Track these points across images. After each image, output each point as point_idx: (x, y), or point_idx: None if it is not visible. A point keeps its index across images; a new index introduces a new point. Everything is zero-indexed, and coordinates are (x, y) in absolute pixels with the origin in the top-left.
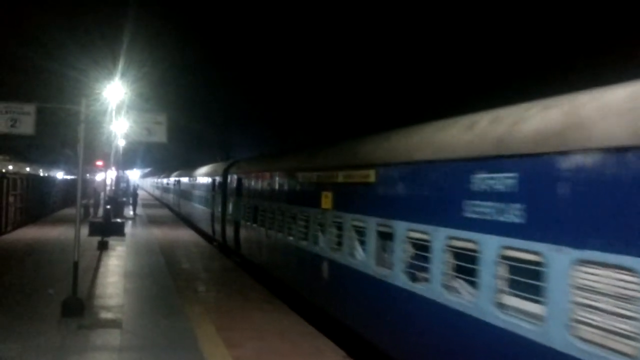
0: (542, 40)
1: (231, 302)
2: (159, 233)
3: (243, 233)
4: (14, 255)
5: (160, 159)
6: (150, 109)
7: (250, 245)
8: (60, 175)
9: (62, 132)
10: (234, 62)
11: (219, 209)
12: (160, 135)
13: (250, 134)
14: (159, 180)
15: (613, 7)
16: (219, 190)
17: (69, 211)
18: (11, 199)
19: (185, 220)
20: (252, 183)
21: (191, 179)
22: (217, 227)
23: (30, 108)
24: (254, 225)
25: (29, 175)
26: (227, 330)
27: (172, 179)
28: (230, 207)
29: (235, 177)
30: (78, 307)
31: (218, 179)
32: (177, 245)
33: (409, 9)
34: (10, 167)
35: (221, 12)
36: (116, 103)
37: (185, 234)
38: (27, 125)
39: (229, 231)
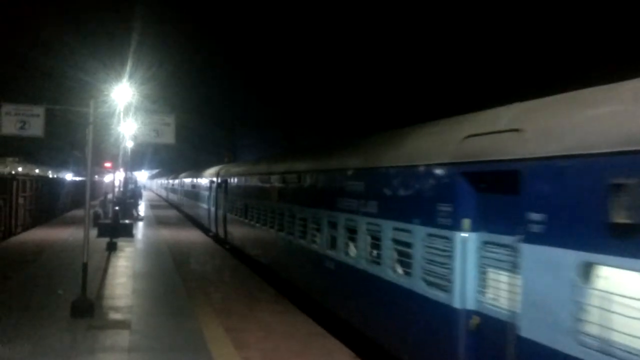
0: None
1: (240, 302)
2: (167, 234)
3: None
4: (24, 257)
5: (169, 160)
6: (158, 111)
7: None
8: (69, 176)
9: (71, 133)
10: (242, 63)
11: None
12: (168, 137)
13: (258, 135)
14: (173, 181)
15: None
16: None
17: (78, 213)
18: (21, 200)
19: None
20: None
21: (291, 179)
22: None
23: (40, 110)
24: None
25: (38, 176)
26: (236, 331)
27: (202, 181)
28: None
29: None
30: (87, 307)
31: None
32: (185, 246)
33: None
34: (20, 169)
35: (230, 14)
36: (124, 104)
37: (193, 235)
38: (36, 127)
39: None
